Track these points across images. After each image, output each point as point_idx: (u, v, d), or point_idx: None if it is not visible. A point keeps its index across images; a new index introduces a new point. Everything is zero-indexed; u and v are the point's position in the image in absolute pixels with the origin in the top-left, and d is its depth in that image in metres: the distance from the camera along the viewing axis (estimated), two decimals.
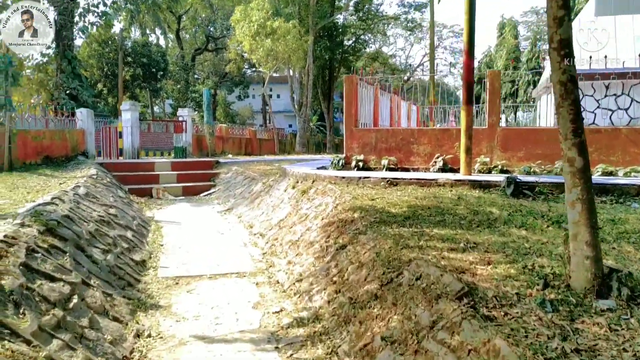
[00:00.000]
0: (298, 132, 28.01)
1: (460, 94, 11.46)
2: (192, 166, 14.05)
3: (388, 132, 9.72)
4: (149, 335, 4.21)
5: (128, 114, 15.24)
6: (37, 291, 3.65)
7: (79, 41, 35.79)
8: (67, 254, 4.67)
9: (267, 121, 53.57)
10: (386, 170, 9.17)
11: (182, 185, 12.71)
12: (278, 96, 68.34)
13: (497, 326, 2.76)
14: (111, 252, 5.68)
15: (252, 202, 10.28)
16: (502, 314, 2.94)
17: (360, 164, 9.36)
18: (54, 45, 33.02)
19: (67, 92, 36.51)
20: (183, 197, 12.30)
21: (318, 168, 10.18)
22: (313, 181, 8.45)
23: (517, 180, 6.88)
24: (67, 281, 4.11)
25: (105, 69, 38.54)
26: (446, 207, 6.04)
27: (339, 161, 9.79)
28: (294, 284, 5.56)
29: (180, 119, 17.90)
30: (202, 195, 12.49)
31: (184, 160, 14.98)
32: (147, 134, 26.15)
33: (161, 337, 4.21)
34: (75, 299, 3.96)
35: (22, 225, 4.72)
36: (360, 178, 7.93)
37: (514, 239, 4.59)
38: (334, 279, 5.02)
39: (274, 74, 50.59)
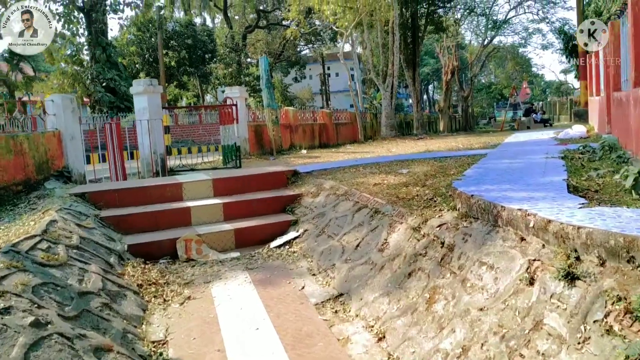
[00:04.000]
0: (384, 110, 21.27)
1: None
2: (250, 184, 7.47)
3: None
4: None
5: (142, 99, 8.86)
6: None
7: (116, 28, 31.07)
8: None
9: (328, 102, 47.44)
10: None
11: (233, 225, 6.50)
12: (337, 74, 61.81)
13: None
14: None
15: (399, 285, 4.09)
16: None
17: None
18: (85, 33, 28.27)
19: (104, 84, 31.28)
20: (236, 253, 6.15)
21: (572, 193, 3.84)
22: None
23: None
24: None
25: (146, 56, 33.75)
26: None
27: (637, 179, 3.38)
28: None
29: (229, 102, 11.87)
30: (272, 245, 6.26)
31: (235, 175, 7.86)
32: (191, 128, 20.86)
33: None
34: None
35: None
36: None
37: None
38: None
39: (330, 51, 44.10)
